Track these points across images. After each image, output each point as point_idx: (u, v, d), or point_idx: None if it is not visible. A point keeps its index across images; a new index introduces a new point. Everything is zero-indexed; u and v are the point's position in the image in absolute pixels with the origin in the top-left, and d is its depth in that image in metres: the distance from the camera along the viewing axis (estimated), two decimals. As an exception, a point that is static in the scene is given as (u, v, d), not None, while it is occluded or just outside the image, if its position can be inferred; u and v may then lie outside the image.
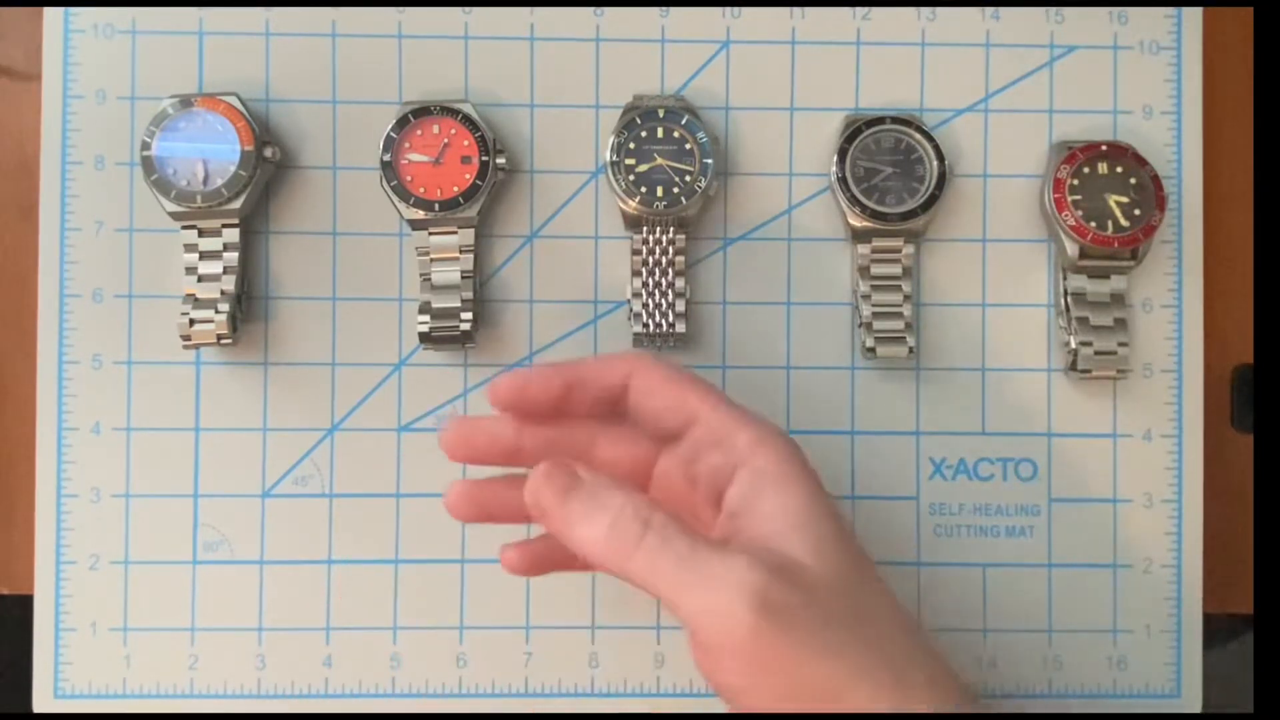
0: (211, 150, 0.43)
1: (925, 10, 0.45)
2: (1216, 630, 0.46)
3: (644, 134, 0.44)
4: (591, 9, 0.45)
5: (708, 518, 0.36)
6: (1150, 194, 0.44)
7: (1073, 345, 0.44)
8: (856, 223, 0.44)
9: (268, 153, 0.43)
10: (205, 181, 0.43)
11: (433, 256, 0.43)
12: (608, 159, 0.43)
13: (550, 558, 0.39)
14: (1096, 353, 0.44)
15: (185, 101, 0.43)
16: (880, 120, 0.44)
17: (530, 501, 0.34)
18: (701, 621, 0.32)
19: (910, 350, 0.44)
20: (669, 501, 0.36)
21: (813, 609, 0.32)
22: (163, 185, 0.42)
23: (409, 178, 0.43)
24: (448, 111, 0.43)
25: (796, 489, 0.35)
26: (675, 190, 0.43)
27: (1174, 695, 0.45)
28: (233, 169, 0.43)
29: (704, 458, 0.36)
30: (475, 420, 0.38)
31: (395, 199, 0.43)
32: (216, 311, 0.42)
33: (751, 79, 0.45)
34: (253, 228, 0.45)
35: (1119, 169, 0.44)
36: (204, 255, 0.43)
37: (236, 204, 0.43)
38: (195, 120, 0.43)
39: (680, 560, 0.32)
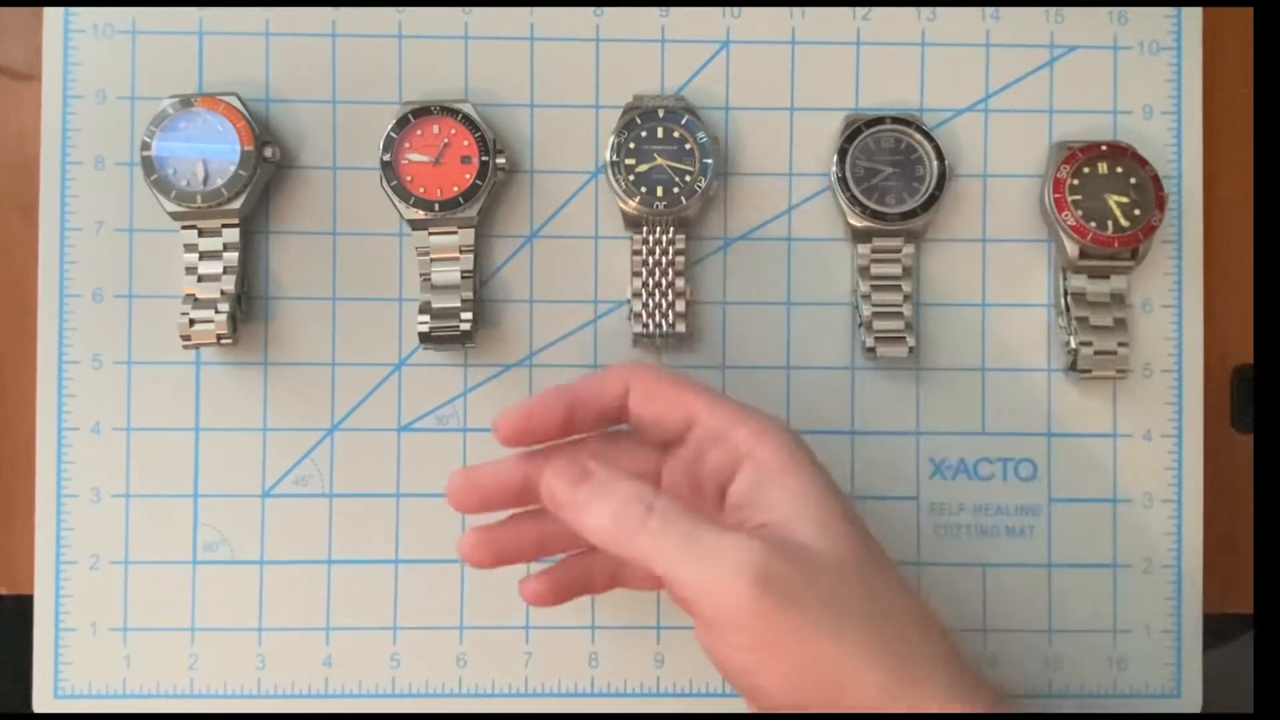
0: (211, 150, 0.43)
1: (925, 10, 0.45)
2: (1216, 630, 0.45)
3: (644, 134, 0.44)
4: (591, 9, 0.45)
5: (718, 516, 0.37)
6: (1150, 194, 0.44)
7: (1073, 345, 0.44)
8: (856, 223, 0.44)
9: (268, 153, 0.43)
10: (205, 181, 0.43)
11: (433, 256, 0.43)
12: (608, 159, 0.43)
13: (571, 583, 0.40)
14: (1096, 353, 0.44)
15: (185, 101, 0.43)
16: (880, 120, 0.44)
17: (545, 495, 0.35)
18: (703, 595, 0.33)
19: (910, 350, 0.44)
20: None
21: (816, 587, 0.33)
22: (163, 185, 0.42)
23: (409, 178, 0.43)
24: (448, 111, 0.43)
25: (799, 476, 0.35)
26: (675, 190, 0.43)
27: (1174, 695, 0.45)
28: (233, 169, 0.43)
29: (706, 457, 0.37)
30: (477, 468, 0.39)
31: (395, 199, 0.43)
32: (216, 311, 0.42)
33: (751, 79, 0.45)
34: (253, 228, 0.45)
35: (1119, 169, 0.44)
36: (204, 255, 0.43)
37: (236, 204, 0.43)
38: (195, 120, 0.43)
39: (682, 539, 0.33)
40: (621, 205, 0.44)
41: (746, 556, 0.32)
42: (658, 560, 0.33)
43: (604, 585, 0.40)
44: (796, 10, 0.45)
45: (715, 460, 0.36)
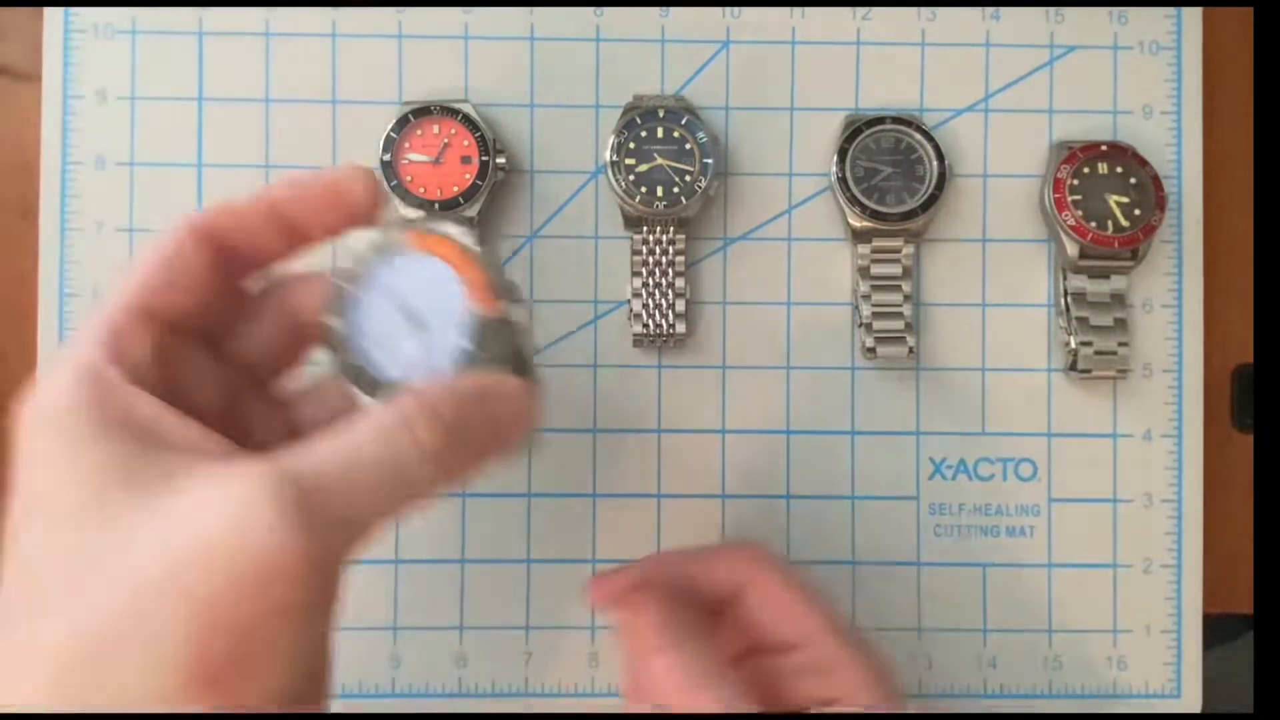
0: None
1: (925, 10, 0.45)
2: (1216, 630, 0.46)
3: (644, 134, 0.44)
4: (591, 9, 0.45)
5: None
6: (1150, 194, 0.44)
7: (1073, 345, 0.44)
8: (856, 223, 0.44)
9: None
10: (205, 181, 0.43)
11: (433, 256, 0.43)
12: (608, 159, 0.43)
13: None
14: (1096, 353, 0.44)
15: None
16: (880, 120, 0.44)
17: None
18: None
19: (910, 350, 0.44)
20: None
21: None
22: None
23: (409, 178, 0.43)
24: (448, 111, 0.43)
25: None
26: (675, 190, 0.43)
27: (1174, 695, 0.45)
28: (233, 169, 0.43)
29: (803, 682, 0.36)
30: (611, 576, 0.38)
31: (395, 199, 0.43)
32: (216, 311, 0.42)
33: (751, 79, 0.45)
34: (253, 228, 0.45)
35: (1119, 169, 0.44)
36: (204, 255, 0.43)
37: (236, 204, 0.43)
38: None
39: None
40: (621, 205, 0.44)
41: None
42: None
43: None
44: (796, 10, 0.45)
45: (810, 688, 0.36)
